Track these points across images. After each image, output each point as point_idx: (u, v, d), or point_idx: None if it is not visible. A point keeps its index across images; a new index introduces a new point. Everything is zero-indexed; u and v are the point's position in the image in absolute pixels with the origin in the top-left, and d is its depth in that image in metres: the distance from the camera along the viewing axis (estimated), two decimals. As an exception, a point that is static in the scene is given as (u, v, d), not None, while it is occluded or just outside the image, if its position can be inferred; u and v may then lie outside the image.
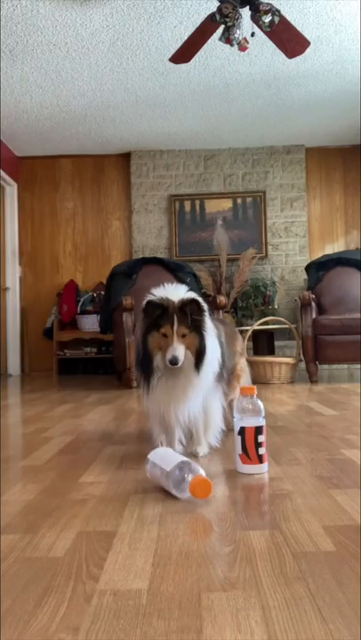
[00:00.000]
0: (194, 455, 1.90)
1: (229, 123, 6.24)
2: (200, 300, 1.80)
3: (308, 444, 2.12)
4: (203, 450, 1.92)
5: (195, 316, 1.77)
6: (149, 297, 1.81)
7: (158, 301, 1.76)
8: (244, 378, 2.36)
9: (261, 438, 1.66)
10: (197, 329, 1.78)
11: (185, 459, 1.48)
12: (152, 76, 5.08)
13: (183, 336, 1.76)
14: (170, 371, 1.78)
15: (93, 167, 7.09)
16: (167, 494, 1.47)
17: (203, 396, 1.87)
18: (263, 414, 1.69)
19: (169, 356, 1.72)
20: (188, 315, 1.76)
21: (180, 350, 1.73)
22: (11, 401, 4.05)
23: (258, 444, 1.66)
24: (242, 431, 1.66)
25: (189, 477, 1.40)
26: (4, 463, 1.95)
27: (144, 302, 1.78)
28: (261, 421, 1.67)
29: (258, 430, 1.66)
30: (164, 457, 1.53)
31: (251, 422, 1.66)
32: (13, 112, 5.73)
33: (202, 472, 1.43)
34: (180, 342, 1.74)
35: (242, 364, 2.38)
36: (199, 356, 1.77)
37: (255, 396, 1.70)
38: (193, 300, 1.78)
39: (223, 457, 1.90)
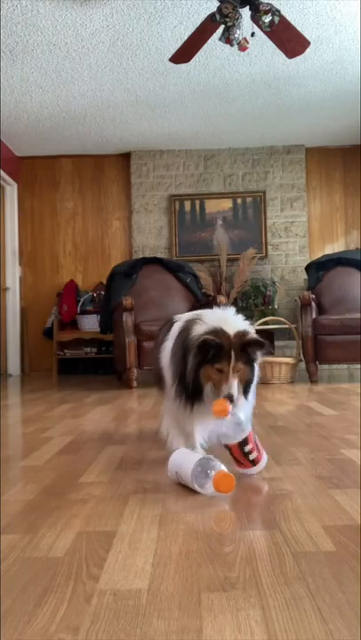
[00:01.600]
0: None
1: (229, 123, 6.24)
2: (260, 339, 1.69)
3: (308, 444, 2.12)
4: None
5: (253, 355, 1.69)
6: (204, 330, 1.67)
7: (216, 341, 1.63)
8: None
9: (248, 447, 1.63)
10: (250, 362, 1.69)
11: (208, 455, 1.53)
12: (152, 76, 5.08)
13: (238, 371, 1.67)
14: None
15: (93, 167, 7.08)
16: (167, 494, 1.47)
17: None
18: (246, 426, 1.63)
19: (225, 392, 1.63)
20: (247, 353, 1.67)
21: (235, 387, 1.64)
22: (11, 401, 4.05)
23: (246, 453, 1.63)
24: (226, 446, 1.66)
25: (212, 473, 1.43)
26: (3, 463, 1.95)
27: (199, 339, 1.63)
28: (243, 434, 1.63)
29: (241, 443, 1.62)
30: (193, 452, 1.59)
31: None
32: (13, 112, 5.72)
33: (224, 468, 1.46)
34: (235, 378, 1.65)
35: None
36: (247, 385, 1.71)
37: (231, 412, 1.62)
38: (255, 342, 1.67)
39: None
